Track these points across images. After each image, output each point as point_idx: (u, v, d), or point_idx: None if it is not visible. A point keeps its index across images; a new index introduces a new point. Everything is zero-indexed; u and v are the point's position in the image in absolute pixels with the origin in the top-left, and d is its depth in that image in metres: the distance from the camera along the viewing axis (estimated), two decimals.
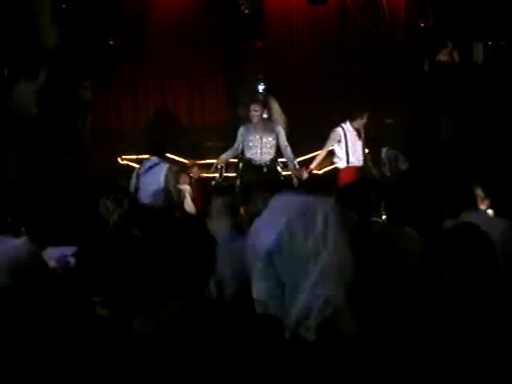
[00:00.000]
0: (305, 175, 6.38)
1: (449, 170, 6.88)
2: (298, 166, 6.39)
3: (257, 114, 6.16)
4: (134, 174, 5.83)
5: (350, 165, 6.60)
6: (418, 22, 8.86)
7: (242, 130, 6.31)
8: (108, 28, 8.46)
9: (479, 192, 3.91)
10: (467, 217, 3.62)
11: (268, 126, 6.26)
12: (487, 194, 3.91)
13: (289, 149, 6.28)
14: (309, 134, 7.42)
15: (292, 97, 9.18)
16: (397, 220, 3.33)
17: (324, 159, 6.82)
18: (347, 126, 6.60)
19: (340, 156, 6.62)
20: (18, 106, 7.11)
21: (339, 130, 6.57)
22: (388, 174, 7.65)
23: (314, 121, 7.72)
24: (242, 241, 3.52)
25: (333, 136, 6.57)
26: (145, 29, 9.13)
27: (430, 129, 7.74)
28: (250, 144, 6.23)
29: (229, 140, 6.73)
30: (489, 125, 7.52)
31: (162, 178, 5.62)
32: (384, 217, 3.06)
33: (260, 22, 9.57)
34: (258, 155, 6.24)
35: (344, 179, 6.58)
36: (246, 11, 9.50)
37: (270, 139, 6.22)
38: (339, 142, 6.55)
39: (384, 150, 7.76)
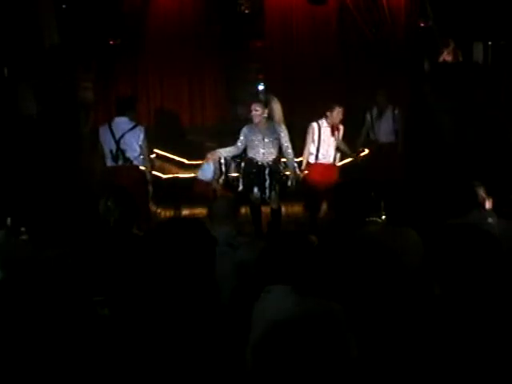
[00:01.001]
0: (301, 177, 6.47)
1: (449, 170, 6.88)
2: (297, 170, 6.39)
3: (257, 113, 6.12)
4: (108, 136, 6.07)
5: (318, 161, 6.71)
6: (418, 22, 8.86)
7: (245, 129, 6.29)
8: (108, 28, 8.46)
9: (481, 192, 3.91)
10: (469, 217, 3.63)
11: (270, 125, 6.23)
12: (489, 194, 3.90)
13: (290, 150, 6.26)
14: (310, 125, 7.39)
15: (292, 97, 9.19)
16: (397, 220, 3.32)
17: None
18: (322, 121, 6.73)
19: (311, 151, 6.72)
20: (19, 107, 7.11)
21: (314, 124, 6.72)
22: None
23: (314, 121, 7.71)
24: (242, 241, 3.54)
25: (308, 130, 6.72)
26: (145, 29, 9.14)
27: (430, 128, 7.74)
28: (253, 144, 6.22)
29: (229, 140, 6.72)
30: (489, 125, 7.52)
31: (140, 140, 6.07)
32: (384, 217, 3.06)
33: (260, 21, 9.58)
34: (261, 155, 6.23)
35: (311, 175, 6.72)
36: (246, 11, 9.51)
37: (272, 139, 6.22)
38: (313, 136, 6.68)
39: (392, 115, 7.61)
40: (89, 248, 3.26)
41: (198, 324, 1.92)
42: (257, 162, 6.25)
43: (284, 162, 6.52)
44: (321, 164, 6.71)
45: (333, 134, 6.71)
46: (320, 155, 6.69)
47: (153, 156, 8.68)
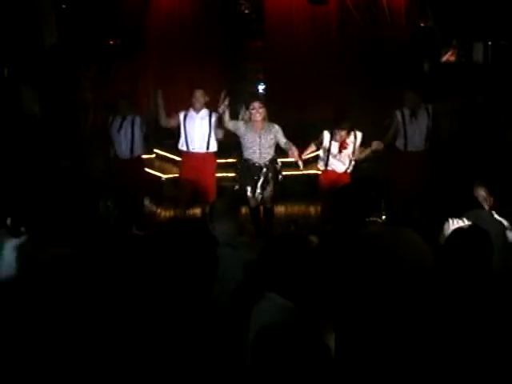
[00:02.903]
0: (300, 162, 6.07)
1: (449, 170, 6.88)
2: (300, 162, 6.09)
3: (262, 110, 6.09)
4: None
5: (328, 168, 6.34)
6: (418, 22, 8.87)
7: (243, 125, 6.21)
8: (108, 28, 8.47)
9: (482, 192, 3.91)
10: (470, 216, 3.62)
11: (265, 126, 6.18)
12: (490, 194, 3.91)
13: (290, 143, 6.11)
14: (309, 133, 7.41)
15: (292, 97, 9.19)
16: (397, 220, 3.32)
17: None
18: (336, 134, 6.24)
19: (322, 157, 6.39)
20: (20, 107, 7.12)
21: (325, 132, 6.29)
22: None
23: (314, 121, 7.73)
24: (242, 241, 3.54)
25: (320, 136, 6.33)
26: (145, 29, 9.14)
27: (430, 129, 7.73)
28: (248, 144, 6.17)
29: (228, 140, 6.72)
30: (489, 124, 7.52)
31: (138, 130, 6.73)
32: (384, 217, 3.05)
33: (260, 21, 9.59)
34: (257, 155, 6.18)
35: (323, 182, 6.42)
36: (246, 11, 9.51)
37: (268, 139, 6.16)
38: (321, 142, 6.31)
39: (427, 116, 6.75)
40: (89, 248, 3.26)
41: (198, 324, 1.92)
42: (253, 164, 6.21)
43: (282, 162, 6.46)
44: (333, 171, 6.34)
45: (340, 150, 6.25)
46: (329, 162, 6.32)
47: (153, 156, 8.72)
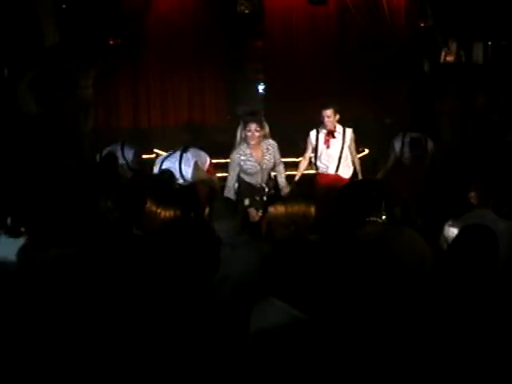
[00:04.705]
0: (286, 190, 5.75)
1: (449, 170, 6.87)
2: (286, 186, 5.76)
3: (257, 134, 5.40)
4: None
5: (319, 171, 6.08)
6: (418, 22, 8.88)
7: (236, 159, 5.53)
8: (108, 28, 8.47)
9: (481, 192, 3.92)
10: (469, 217, 3.63)
11: (263, 146, 5.55)
12: (489, 195, 3.91)
13: (282, 167, 5.78)
14: (308, 134, 7.40)
15: (292, 97, 9.20)
16: (397, 220, 3.33)
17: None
18: (321, 128, 6.02)
19: (312, 160, 6.15)
20: (20, 107, 7.12)
21: (313, 132, 6.06)
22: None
23: (314, 121, 7.72)
24: (241, 240, 3.54)
25: (308, 139, 6.11)
26: (145, 29, 9.15)
27: (430, 129, 7.74)
28: (250, 171, 5.58)
29: (229, 140, 6.70)
30: (489, 125, 7.52)
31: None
32: (384, 217, 3.06)
33: (260, 21, 9.60)
34: (259, 179, 5.64)
35: (316, 185, 6.13)
36: (246, 11, 9.53)
37: (270, 164, 5.62)
38: (310, 144, 6.08)
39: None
40: (89, 248, 3.26)
41: (198, 323, 1.92)
42: (255, 187, 5.65)
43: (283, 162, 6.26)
44: (323, 174, 6.05)
45: (326, 141, 5.99)
46: (318, 164, 6.06)
47: (153, 156, 8.71)
